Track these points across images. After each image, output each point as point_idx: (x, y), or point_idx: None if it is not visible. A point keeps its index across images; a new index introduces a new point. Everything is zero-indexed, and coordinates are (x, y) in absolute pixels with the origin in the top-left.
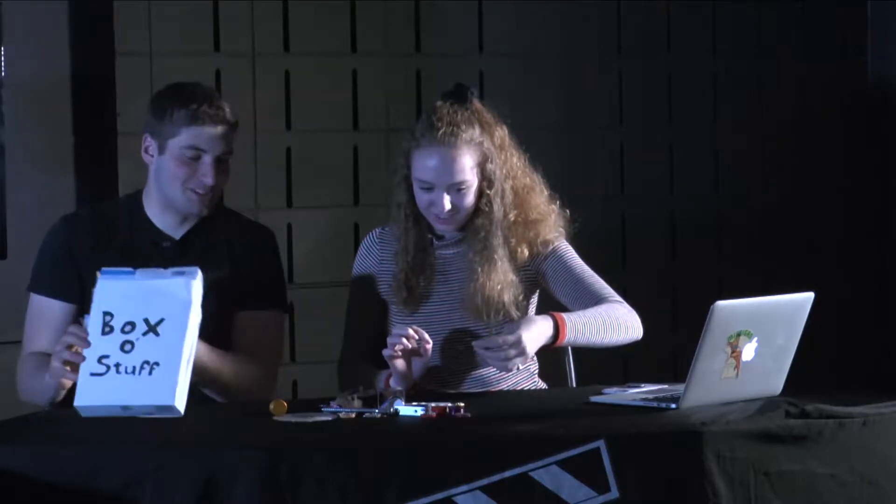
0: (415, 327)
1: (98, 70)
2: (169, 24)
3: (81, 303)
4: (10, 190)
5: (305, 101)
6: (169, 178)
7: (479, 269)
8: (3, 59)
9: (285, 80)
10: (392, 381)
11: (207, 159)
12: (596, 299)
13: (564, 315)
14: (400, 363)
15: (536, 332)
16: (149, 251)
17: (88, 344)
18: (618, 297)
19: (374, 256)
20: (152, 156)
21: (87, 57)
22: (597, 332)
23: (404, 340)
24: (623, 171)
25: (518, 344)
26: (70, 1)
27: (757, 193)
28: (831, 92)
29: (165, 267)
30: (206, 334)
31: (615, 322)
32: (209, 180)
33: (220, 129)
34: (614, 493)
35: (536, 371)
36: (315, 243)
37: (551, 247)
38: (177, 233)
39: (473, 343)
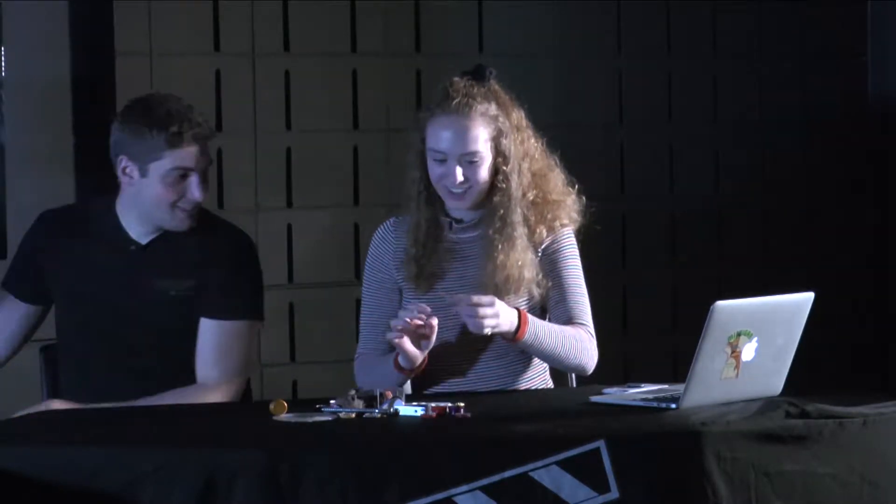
0: (420, 305)
1: (98, 70)
2: (169, 24)
3: (35, 301)
4: (10, 190)
5: (305, 101)
6: (154, 201)
7: (499, 247)
8: (3, 59)
9: (285, 80)
10: (400, 360)
11: (195, 178)
12: (569, 318)
13: (531, 317)
14: (406, 343)
15: (506, 313)
16: (113, 254)
17: None
18: (590, 329)
19: (389, 245)
20: (132, 177)
21: (87, 57)
22: (552, 346)
23: (407, 320)
24: (623, 171)
25: (493, 305)
26: (70, 1)
27: (757, 193)
28: (831, 92)
29: (130, 271)
30: (167, 348)
31: (574, 347)
32: (198, 197)
33: (202, 146)
34: (614, 494)
35: (546, 369)
36: (315, 243)
37: (562, 237)
38: (144, 238)
39: (450, 297)
